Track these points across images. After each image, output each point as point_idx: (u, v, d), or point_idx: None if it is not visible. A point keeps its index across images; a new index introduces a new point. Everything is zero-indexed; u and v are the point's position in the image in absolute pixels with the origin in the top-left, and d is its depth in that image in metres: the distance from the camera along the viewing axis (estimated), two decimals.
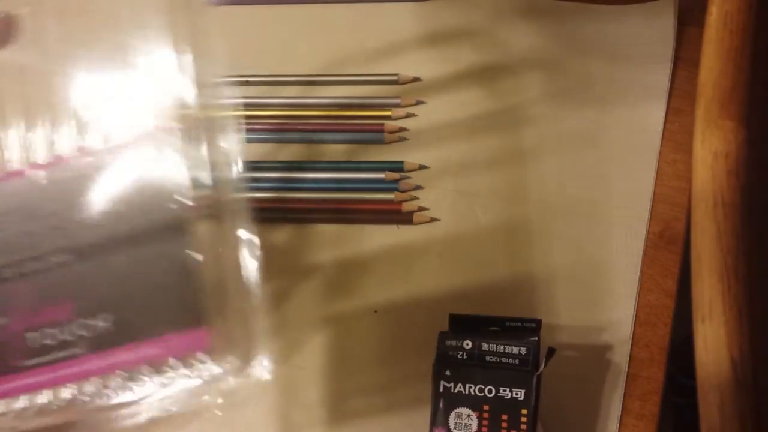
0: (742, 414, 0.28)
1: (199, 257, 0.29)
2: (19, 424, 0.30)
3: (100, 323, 0.30)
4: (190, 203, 0.29)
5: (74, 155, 0.30)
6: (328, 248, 0.48)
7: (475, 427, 0.38)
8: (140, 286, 0.29)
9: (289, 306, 0.47)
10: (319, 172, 0.49)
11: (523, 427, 0.37)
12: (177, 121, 0.30)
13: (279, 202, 0.49)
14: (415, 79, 0.50)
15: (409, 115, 0.50)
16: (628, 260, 0.45)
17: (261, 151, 0.50)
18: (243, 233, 0.30)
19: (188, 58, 0.30)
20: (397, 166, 0.48)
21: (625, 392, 0.43)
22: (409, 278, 0.47)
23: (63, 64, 0.31)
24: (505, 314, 0.40)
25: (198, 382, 0.30)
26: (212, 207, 0.30)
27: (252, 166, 0.49)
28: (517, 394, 0.38)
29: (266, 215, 0.49)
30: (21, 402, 0.30)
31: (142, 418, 0.31)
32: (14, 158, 0.31)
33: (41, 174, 0.30)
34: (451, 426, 0.38)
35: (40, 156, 0.31)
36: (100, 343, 0.30)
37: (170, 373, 0.30)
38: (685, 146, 0.46)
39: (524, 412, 0.37)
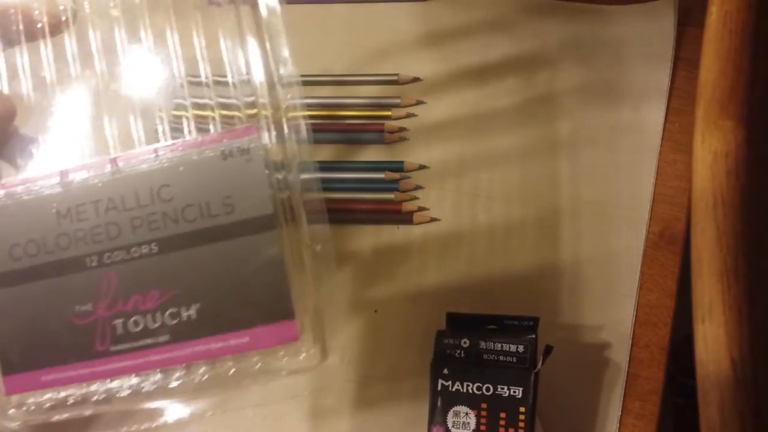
0: (741, 413, 0.28)
1: (282, 252, 0.30)
2: (104, 408, 0.31)
3: (186, 313, 0.30)
4: (270, 200, 0.30)
5: (157, 149, 0.31)
6: None
7: (473, 425, 0.38)
8: (226, 278, 0.30)
9: None
10: (319, 172, 0.49)
11: (521, 424, 0.37)
12: (255, 120, 0.31)
13: None
14: (415, 79, 0.50)
15: (409, 115, 0.50)
16: (628, 260, 0.45)
17: None
18: (317, 230, 0.31)
19: (267, 58, 0.32)
20: (397, 166, 0.48)
21: (625, 392, 0.43)
22: (409, 278, 0.46)
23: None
24: (505, 314, 0.40)
25: (282, 373, 0.31)
26: (289, 205, 0.31)
27: None
28: (514, 392, 0.38)
29: None
30: (105, 386, 0.31)
31: (227, 409, 0.31)
32: (94, 148, 0.32)
33: (122, 165, 0.31)
34: (450, 424, 0.38)
35: (123, 147, 0.32)
36: (185, 333, 0.30)
37: (257, 365, 0.31)
38: (685, 146, 0.46)
39: (522, 409, 0.37)
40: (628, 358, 0.43)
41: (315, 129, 0.50)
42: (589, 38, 0.49)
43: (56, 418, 0.31)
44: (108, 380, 0.31)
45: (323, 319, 0.31)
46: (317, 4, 0.53)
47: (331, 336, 0.31)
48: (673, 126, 0.47)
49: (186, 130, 0.32)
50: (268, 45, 0.32)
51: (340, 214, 0.48)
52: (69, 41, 0.32)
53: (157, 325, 0.30)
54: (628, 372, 0.43)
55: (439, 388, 0.39)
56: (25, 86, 0.32)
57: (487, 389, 0.38)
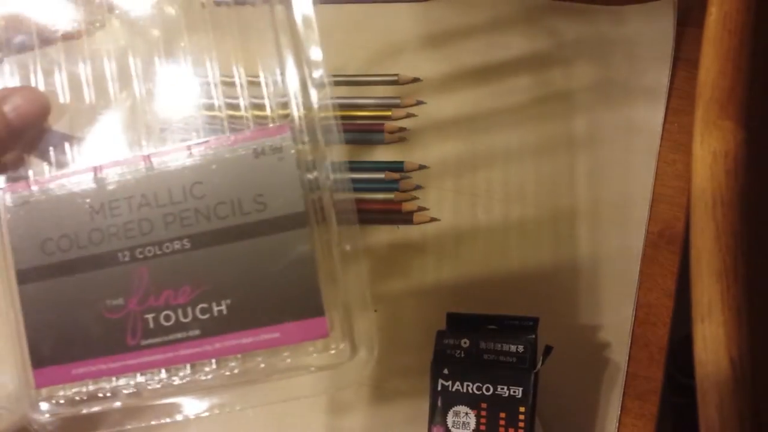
0: (741, 413, 0.28)
1: (313, 249, 0.30)
2: (134, 401, 0.31)
3: (217, 308, 0.30)
4: (301, 198, 0.30)
5: (190, 146, 0.31)
6: None
7: (473, 425, 0.38)
8: (257, 274, 0.30)
9: None
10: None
11: (521, 424, 0.37)
12: (289, 120, 0.32)
13: None
14: (415, 79, 0.50)
15: (409, 115, 0.50)
16: (628, 260, 0.45)
17: None
18: (347, 230, 0.31)
19: (300, 58, 0.32)
20: (397, 166, 0.48)
21: (624, 392, 0.43)
22: (409, 278, 0.47)
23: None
24: (505, 314, 0.40)
25: (311, 369, 0.31)
26: (320, 205, 0.31)
27: None
28: (514, 391, 0.38)
29: None
30: (135, 379, 0.31)
31: (256, 403, 0.32)
32: (128, 145, 0.32)
33: (155, 162, 0.31)
34: (450, 424, 0.38)
35: (157, 145, 0.32)
36: (216, 327, 0.30)
37: (287, 360, 0.31)
38: (684, 146, 0.46)
39: (522, 409, 0.37)
40: (627, 358, 0.43)
41: None
42: (588, 39, 0.49)
43: (86, 411, 0.32)
44: (138, 374, 0.31)
45: (352, 316, 0.31)
46: (318, 4, 0.53)
47: (359, 333, 0.31)
48: (673, 126, 0.47)
49: (219, 129, 0.32)
50: (301, 46, 0.32)
51: None
52: (104, 39, 0.33)
53: (188, 319, 0.30)
54: (627, 372, 0.43)
55: (439, 388, 0.39)
56: (60, 83, 0.32)
57: (487, 389, 0.38)
